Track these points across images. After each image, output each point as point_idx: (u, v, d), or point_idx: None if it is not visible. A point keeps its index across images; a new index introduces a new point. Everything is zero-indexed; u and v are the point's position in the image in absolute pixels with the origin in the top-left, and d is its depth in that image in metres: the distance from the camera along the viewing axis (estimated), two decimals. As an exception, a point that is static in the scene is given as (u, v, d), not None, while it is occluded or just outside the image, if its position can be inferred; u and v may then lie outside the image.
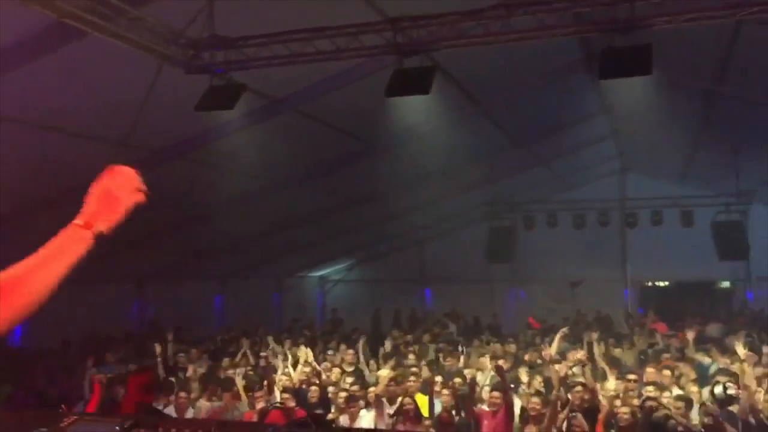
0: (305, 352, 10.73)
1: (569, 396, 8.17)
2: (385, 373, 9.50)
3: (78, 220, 1.72)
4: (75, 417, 2.42)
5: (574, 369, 9.74)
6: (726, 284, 21.96)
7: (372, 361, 11.89)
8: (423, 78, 7.20)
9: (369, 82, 8.91)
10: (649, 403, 7.81)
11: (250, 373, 10.16)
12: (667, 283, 22.60)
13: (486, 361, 10.91)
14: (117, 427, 2.25)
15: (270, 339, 12.60)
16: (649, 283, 22.53)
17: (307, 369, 10.16)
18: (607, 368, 9.89)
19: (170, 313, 15.29)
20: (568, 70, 11.98)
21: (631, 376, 9.30)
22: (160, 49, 7.06)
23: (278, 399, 8.25)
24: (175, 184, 11.25)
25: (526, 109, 13.22)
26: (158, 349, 10.49)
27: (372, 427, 8.04)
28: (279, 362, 10.95)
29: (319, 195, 14.64)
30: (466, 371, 10.46)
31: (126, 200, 1.83)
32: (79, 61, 7.25)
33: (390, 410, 8.30)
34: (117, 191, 1.82)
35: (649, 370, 9.90)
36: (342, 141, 11.92)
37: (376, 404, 8.30)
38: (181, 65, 7.50)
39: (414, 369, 10.13)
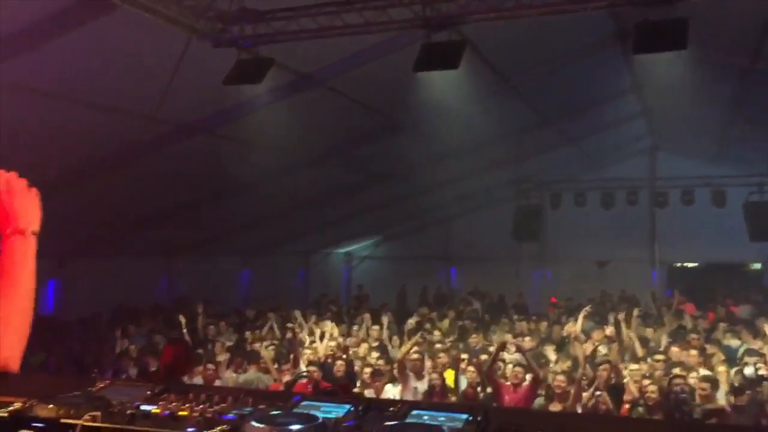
0: (331, 327, 10.82)
1: (595, 374, 8.15)
2: (405, 348, 9.58)
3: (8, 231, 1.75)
4: (107, 382, 2.47)
5: (600, 347, 9.70)
6: (757, 266, 21.61)
7: (395, 337, 11.97)
8: (452, 52, 7.12)
9: (397, 57, 8.82)
10: (675, 381, 7.76)
11: (276, 345, 10.28)
12: (696, 264, 22.31)
13: (510, 338, 10.95)
14: (148, 392, 2.28)
15: (297, 313, 12.71)
16: (678, 264, 22.26)
17: (333, 343, 10.26)
18: (638, 346, 9.85)
19: (198, 287, 15.51)
20: (599, 46, 11.75)
21: (659, 357, 9.25)
22: (188, 23, 7.06)
23: (304, 372, 8.33)
24: (202, 159, 11.34)
25: (555, 86, 13.01)
26: (183, 321, 10.63)
27: (398, 401, 8.10)
28: (305, 336, 11.07)
29: (345, 171, 14.64)
30: (491, 348, 10.47)
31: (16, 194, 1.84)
32: (108, 34, 7.27)
33: (416, 384, 8.36)
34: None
35: (675, 350, 9.84)
36: (369, 117, 11.87)
37: (402, 378, 8.36)
38: (209, 39, 7.49)
39: (440, 345, 10.17)
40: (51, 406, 2.13)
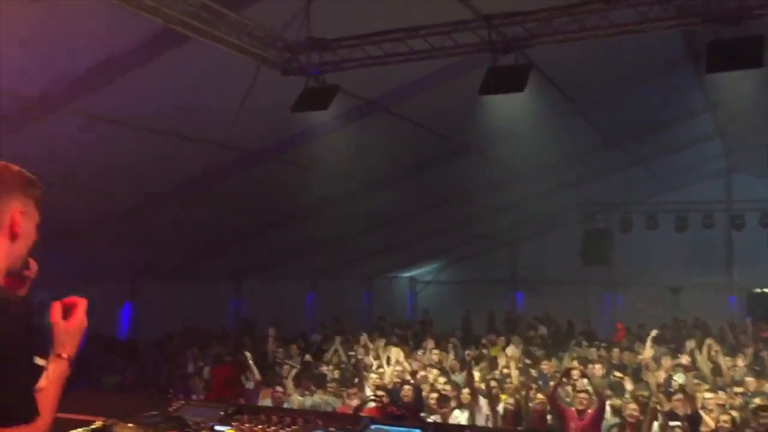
0: (396, 352, 10.79)
1: (669, 403, 7.88)
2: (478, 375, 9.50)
3: (63, 355, 1.97)
4: (182, 402, 2.54)
5: (676, 376, 9.38)
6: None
7: (457, 363, 11.86)
8: (518, 75, 7.09)
9: (462, 81, 8.85)
10: (762, 414, 7.41)
11: (341, 369, 10.32)
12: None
13: (576, 365, 10.74)
14: (221, 413, 2.33)
15: (364, 337, 12.74)
16: (758, 290, 21.28)
17: (399, 368, 10.22)
18: (709, 376, 9.48)
19: (264, 310, 15.76)
20: (670, 66, 11.49)
21: (738, 388, 8.89)
22: (258, 52, 7.27)
23: (369, 396, 8.32)
24: (271, 184, 11.59)
25: (624, 107, 12.78)
26: (249, 343, 10.82)
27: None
28: (370, 360, 11.07)
29: (410, 195, 14.68)
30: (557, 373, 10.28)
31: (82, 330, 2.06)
32: (181, 65, 7.56)
33: (488, 411, 8.24)
34: (81, 326, 2.06)
35: (750, 380, 9.45)
36: (434, 141, 11.90)
37: (472, 404, 8.25)
38: (278, 67, 7.69)
39: (508, 371, 10.02)
40: (131, 425, 2.21)
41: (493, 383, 8.72)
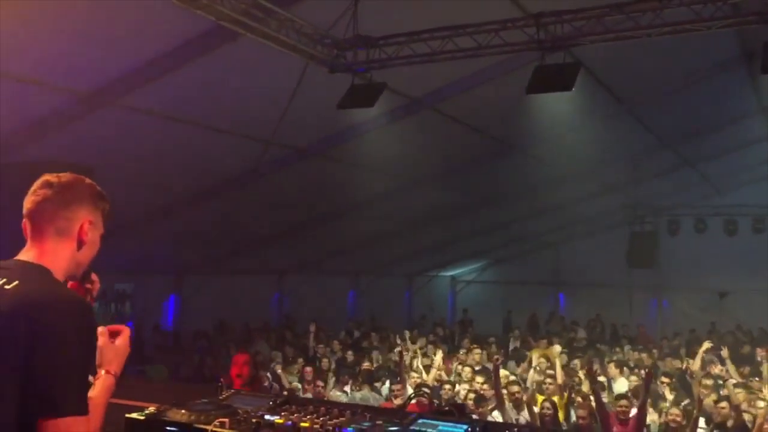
0: (438, 356, 10.74)
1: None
2: (503, 373, 9.40)
3: (110, 371, 2.20)
4: (232, 391, 2.60)
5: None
6: None
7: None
8: (566, 74, 7.00)
9: (509, 79, 8.79)
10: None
11: (383, 366, 10.35)
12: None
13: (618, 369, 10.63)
14: (270, 402, 2.38)
15: (406, 334, 12.77)
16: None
17: (441, 371, 10.24)
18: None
19: (307, 306, 15.91)
20: (722, 67, 11.22)
21: None
22: (306, 49, 7.33)
23: (419, 392, 8.29)
24: (316, 181, 11.69)
25: (674, 108, 12.52)
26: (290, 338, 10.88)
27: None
28: (411, 359, 11.09)
29: (454, 194, 14.64)
30: (601, 378, 10.15)
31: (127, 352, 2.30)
32: (231, 62, 7.68)
33: (516, 416, 8.15)
34: (126, 348, 2.29)
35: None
36: (479, 140, 11.85)
37: (500, 408, 8.17)
38: (325, 65, 7.74)
39: (551, 372, 9.91)
40: (183, 411, 2.27)
41: (515, 388, 8.54)
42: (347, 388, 9.46)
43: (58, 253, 2.10)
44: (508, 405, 8.22)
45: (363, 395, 9.04)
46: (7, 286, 1.95)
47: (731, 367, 10.71)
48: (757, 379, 10.11)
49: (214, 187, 10.76)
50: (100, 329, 2.17)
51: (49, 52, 6.63)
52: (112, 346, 2.23)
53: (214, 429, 2.14)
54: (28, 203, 2.12)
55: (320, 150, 10.80)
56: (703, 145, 15.09)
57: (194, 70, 7.54)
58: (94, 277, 2.26)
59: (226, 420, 2.18)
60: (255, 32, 6.63)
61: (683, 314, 18.86)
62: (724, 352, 11.20)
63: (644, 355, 12.63)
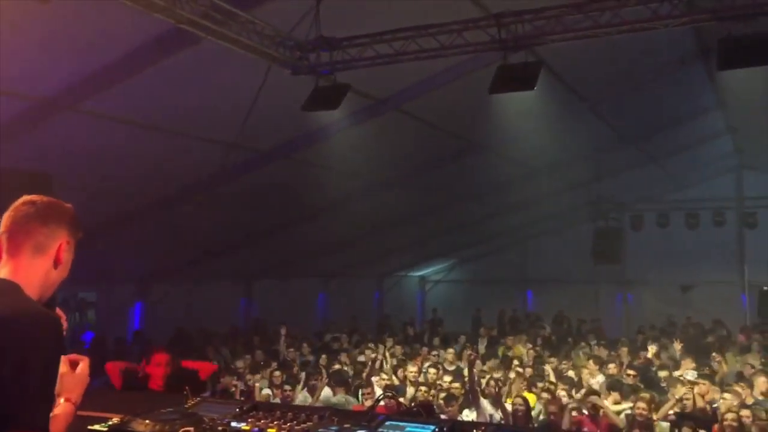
0: (401, 352, 10.74)
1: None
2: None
3: (70, 399, 2.20)
4: (199, 399, 2.56)
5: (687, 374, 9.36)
6: None
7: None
8: (528, 74, 7.06)
9: (471, 80, 8.84)
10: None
11: (352, 368, 10.32)
12: (789, 287, 21.14)
13: (589, 364, 10.73)
14: (236, 409, 2.35)
15: (386, 341, 12.76)
16: (769, 288, 21.16)
17: (413, 369, 10.25)
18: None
19: (275, 310, 15.80)
20: (681, 63, 11.43)
21: (737, 387, 8.89)
22: (268, 52, 7.27)
23: (388, 394, 8.29)
24: (281, 184, 11.61)
25: (635, 105, 12.72)
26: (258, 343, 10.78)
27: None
28: (380, 359, 11.08)
29: (421, 194, 14.68)
30: (570, 373, 10.27)
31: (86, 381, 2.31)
32: (192, 65, 7.59)
33: (491, 411, 8.21)
34: (86, 378, 2.30)
35: (761, 380, 9.43)
36: (445, 140, 11.90)
37: (474, 404, 8.22)
38: (288, 67, 7.69)
39: (519, 369, 10.00)
40: (147, 421, 2.23)
41: (492, 383, 8.66)
42: (327, 393, 9.37)
43: (32, 270, 2.09)
44: (484, 401, 8.27)
45: (339, 399, 9.00)
46: None
47: (687, 360, 10.92)
48: (708, 368, 10.33)
49: (178, 192, 10.63)
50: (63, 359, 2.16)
51: (3, 58, 6.48)
52: (72, 374, 2.24)
53: (180, 438, 2.11)
54: (7, 219, 2.12)
55: (286, 153, 10.74)
56: (664, 141, 15.39)
57: (155, 74, 7.43)
58: (60, 313, 2.22)
59: (191, 429, 2.15)
60: (215, 35, 6.55)
61: (648, 308, 19.16)
62: (677, 345, 11.53)
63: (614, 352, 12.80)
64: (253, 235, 13.65)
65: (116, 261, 12.33)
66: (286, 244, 14.85)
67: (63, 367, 2.19)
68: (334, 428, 2.11)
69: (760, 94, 9.90)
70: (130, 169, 9.40)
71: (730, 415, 7.28)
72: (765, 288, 20.76)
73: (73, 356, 2.30)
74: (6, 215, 2.13)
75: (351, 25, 7.54)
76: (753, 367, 10.96)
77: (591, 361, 11.05)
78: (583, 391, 9.13)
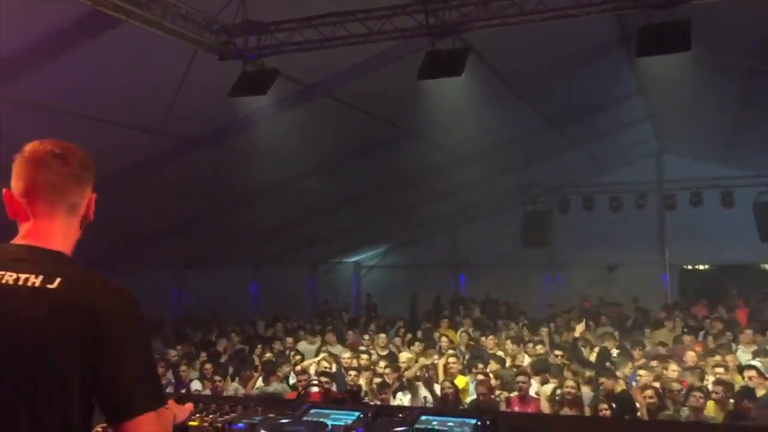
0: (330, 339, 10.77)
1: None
2: (405, 356, 9.62)
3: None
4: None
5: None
6: (768, 266, 21.51)
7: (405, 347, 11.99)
8: (455, 60, 7.13)
9: (401, 65, 8.85)
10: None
11: (285, 356, 10.27)
12: (707, 266, 22.17)
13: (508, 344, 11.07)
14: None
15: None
16: (689, 267, 22.14)
17: (347, 354, 10.29)
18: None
19: (207, 299, 15.55)
20: (604, 50, 11.76)
21: (653, 363, 9.33)
22: (194, 36, 7.10)
23: (315, 381, 8.32)
24: (210, 172, 11.39)
25: (560, 91, 13.02)
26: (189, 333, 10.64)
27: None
28: (313, 347, 11.07)
29: (352, 180, 14.66)
30: (499, 352, 10.53)
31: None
32: (114, 49, 7.32)
33: (425, 394, 8.33)
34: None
35: (689, 354, 9.88)
36: (375, 126, 11.89)
37: (410, 388, 8.34)
38: (214, 52, 7.54)
39: (452, 352, 10.16)
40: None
41: (422, 370, 8.84)
42: (260, 383, 9.28)
43: (68, 235, 1.92)
44: (418, 385, 8.40)
45: (276, 388, 8.95)
46: (50, 285, 1.76)
47: (610, 340, 11.38)
48: (639, 348, 10.75)
49: (103, 181, 10.21)
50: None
51: None
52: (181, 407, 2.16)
53: (99, 429, 2.05)
54: (34, 176, 1.88)
55: (214, 139, 10.53)
56: (588, 127, 15.82)
57: (74, 59, 7.15)
58: None
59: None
60: (137, 18, 6.35)
61: (575, 289, 19.76)
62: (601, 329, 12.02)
63: (539, 331, 13.18)
64: (183, 224, 13.37)
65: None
66: (217, 233, 14.61)
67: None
68: (258, 418, 2.09)
69: (678, 81, 10.27)
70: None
71: (648, 392, 7.59)
72: (685, 267, 21.77)
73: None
74: (30, 172, 1.87)
75: (278, 10, 7.44)
76: (675, 342, 11.52)
77: (509, 342, 11.37)
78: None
